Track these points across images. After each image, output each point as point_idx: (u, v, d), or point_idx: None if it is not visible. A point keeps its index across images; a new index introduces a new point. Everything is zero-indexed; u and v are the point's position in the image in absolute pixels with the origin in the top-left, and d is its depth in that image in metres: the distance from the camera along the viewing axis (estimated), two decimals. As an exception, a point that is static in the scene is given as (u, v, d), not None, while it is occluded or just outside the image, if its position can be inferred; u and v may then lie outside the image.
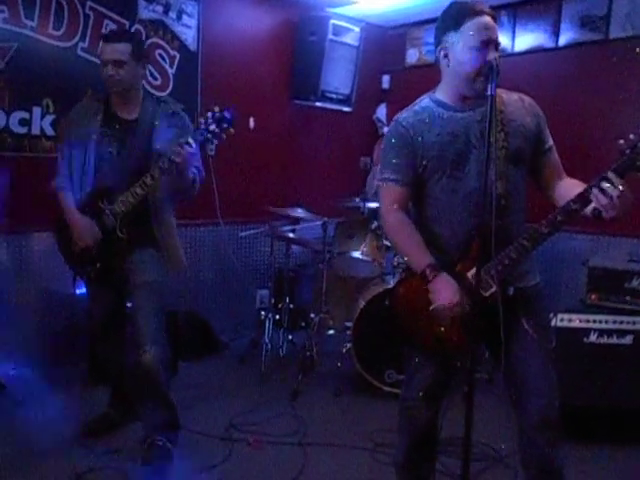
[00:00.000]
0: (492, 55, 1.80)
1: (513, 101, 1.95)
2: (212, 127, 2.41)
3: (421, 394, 2.05)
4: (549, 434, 1.88)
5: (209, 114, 2.42)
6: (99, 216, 2.56)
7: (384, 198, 2.03)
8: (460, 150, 1.89)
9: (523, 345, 1.90)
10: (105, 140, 2.57)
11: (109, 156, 2.57)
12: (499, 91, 1.94)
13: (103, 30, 3.73)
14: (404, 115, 2.00)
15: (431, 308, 1.91)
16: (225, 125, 2.42)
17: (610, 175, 1.64)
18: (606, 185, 1.63)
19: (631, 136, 1.60)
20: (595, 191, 1.65)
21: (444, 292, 1.86)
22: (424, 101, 2.00)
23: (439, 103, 1.96)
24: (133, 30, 3.85)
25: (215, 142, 2.45)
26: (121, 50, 2.51)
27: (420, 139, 1.93)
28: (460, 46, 1.85)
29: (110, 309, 2.82)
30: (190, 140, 2.41)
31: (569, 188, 1.87)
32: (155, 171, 2.46)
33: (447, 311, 1.87)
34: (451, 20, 1.87)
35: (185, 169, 2.48)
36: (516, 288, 1.90)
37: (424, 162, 1.93)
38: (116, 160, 2.57)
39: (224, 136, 2.43)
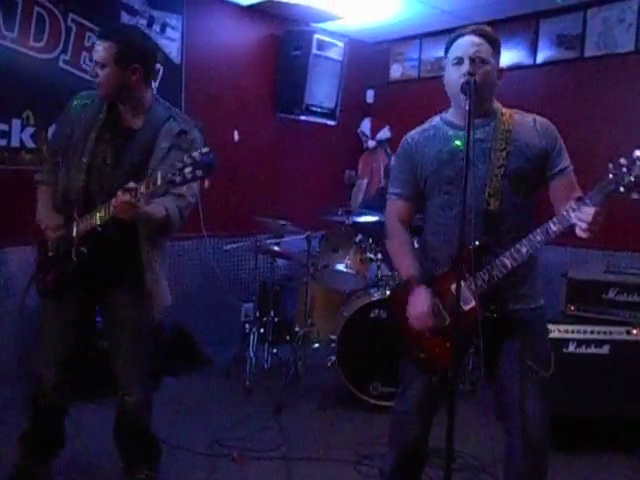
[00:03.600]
0: (464, 68, 1.86)
1: (524, 122, 1.96)
2: (187, 170, 1.97)
3: (414, 407, 2.07)
4: (534, 461, 1.90)
5: (192, 155, 1.98)
6: (66, 224, 2.29)
7: (388, 211, 2.16)
8: (459, 167, 1.92)
9: (513, 369, 1.92)
10: (101, 145, 2.28)
11: (101, 163, 2.27)
12: (513, 111, 1.99)
13: (85, 43, 3.73)
14: (412, 132, 2.10)
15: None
16: (200, 173, 1.96)
17: (588, 200, 1.67)
18: (585, 209, 1.66)
19: (621, 160, 1.61)
20: (574, 214, 1.69)
21: (416, 303, 1.95)
22: (435, 120, 2.09)
23: (447, 122, 2.03)
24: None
25: (182, 187, 2.09)
26: (103, 50, 2.19)
27: (421, 155, 2.02)
28: (446, 68, 1.97)
29: (65, 338, 2.38)
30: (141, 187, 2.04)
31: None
32: (108, 204, 2.12)
33: (415, 322, 1.95)
34: (445, 48, 1.99)
35: (137, 213, 2.10)
36: (512, 309, 1.93)
37: (424, 177, 2.02)
38: (107, 169, 2.28)
39: (194, 186, 2.11)
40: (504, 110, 2.01)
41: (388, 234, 2.16)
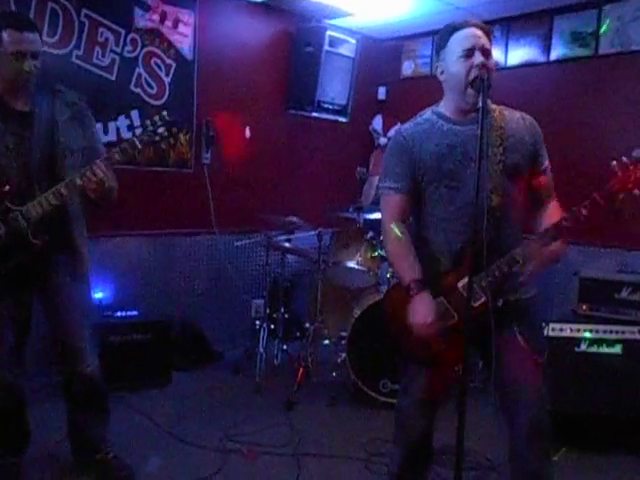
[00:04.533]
0: (478, 59, 1.85)
1: (514, 119, 2.00)
2: (161, 130, 2.30)
3: (417, 402, 2.07)
4: (537, 446, 1.90)
5: (157, 117, 2.30)
6: (4, 217, 2.27)
7: (385, 207, 2.09)
8: (457, 162, 1.93)
9: (514, 357, 1.93)
10: None
11: (4, 152, 2.28)
12: (501, 108, 2.01)
13: (98, 38, 3.74)
14: (405, 126, 2.06)
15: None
16: (175, 130, 2.36)
17: (597, 197, 1.72)
18: (595, 204, 1.72)
19: (623, 158, 1.65)
20: (584, 211, 1.74)
21: (419, 311, 1.91)
22: (427, 113, 2.05)
23: (440, 115, 2.01)
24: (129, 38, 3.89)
25: (162, 146, 2.39)
26: (37, 40, 2.25)
27: (418, 149, 1.98)
28: (449, 60, 1.93)
29: (15, 326, 2.42)
30: (131, 143, 2.29)
31: (548, 216, 1.95)
32: (76, 180, 2.25)
33: (420, 330, 1.91)
34: (441, 39, 1.97)
35: (109, 185, 2.32)
36: (511, 300, 1.93)
37: (422, 171, 1.98)
38: (15, 155, 2.30)
39: (171, 140, 2.38)
40: (493, 106, 2.01)
41: (386, 233, 2.06)
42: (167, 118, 2.29)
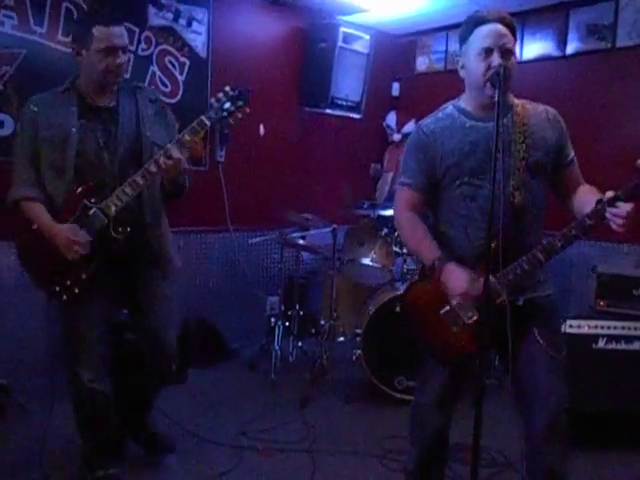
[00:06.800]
0: (496, 61, 1.83)
1: (538, 113, 1.97)
2: (227, 105, 2.24)
3: (434, 400, 2.06)
4: (555, 446, 1.88)
5: (221, 93, 2.25)
6: (84, 216, 2.23)
7: (399, 201, 2.07)
8: (480, 159, 1.91)
9: (532, 355, 1.91)
10: (88, 133, 2.28)
11: (96, 149, 2.27)
12: (524, 102, 1.99)
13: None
14: (426, 122, 2.04)
15: (442, 312, 1.93)
16: (240, 103, 2.25)
17: (623, 196, 1.68)
18: (620, 204, 1.68)
19: None
20: (611, 210, 1.69)
21: (455, 281, 1.86)
22: (448, 109, 2.03)
23: (462, 111, 1.98)
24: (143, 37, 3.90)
25: (230, 121, 2.27)
26: (125, 33, 2.25)
27: (440, 146, 1.96)
28: (469, 56, 1.91)
29: (104, 324, 2.41)
30: (202, 125, 2.23)
31: (584, 197, 1.90)
32: (150, 167, 2.22)
33: (463, 298, 1.87)
34: (463, 32, 1.94)
35: (183, 168, 2.28)
36: (530, 297, 1.92)
37: (443, 168, 1.96)
38: (104, 152, 2.29)
39: (239, 115, 2.26)
40: (516, 101, 1.98)
41: (400, 223, 2.06)
42: (231, 92, 2.24)
